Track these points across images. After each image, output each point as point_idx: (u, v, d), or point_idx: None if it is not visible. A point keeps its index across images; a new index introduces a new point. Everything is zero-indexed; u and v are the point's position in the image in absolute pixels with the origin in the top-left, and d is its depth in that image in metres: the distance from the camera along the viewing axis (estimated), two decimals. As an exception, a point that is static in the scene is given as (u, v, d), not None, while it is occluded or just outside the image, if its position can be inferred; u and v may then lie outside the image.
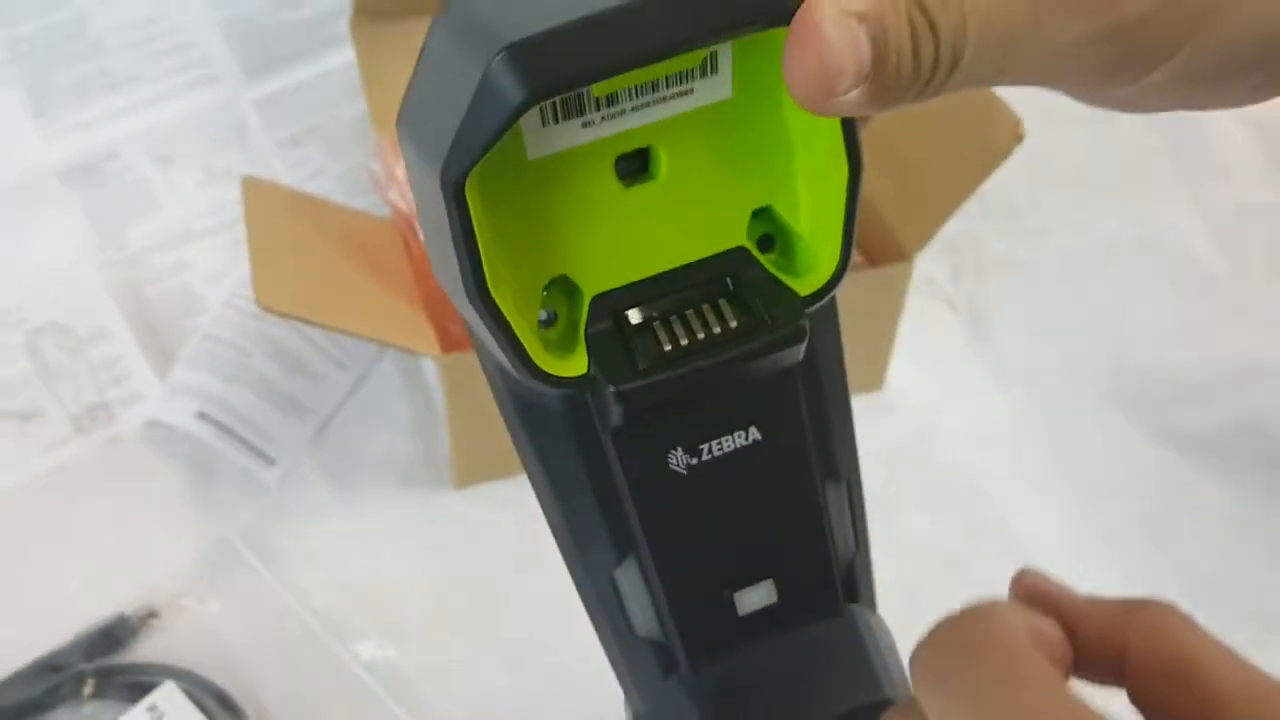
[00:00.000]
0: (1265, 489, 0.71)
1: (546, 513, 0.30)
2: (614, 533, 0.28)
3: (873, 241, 0.66)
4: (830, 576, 0.30)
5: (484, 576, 0.62)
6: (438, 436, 0.68)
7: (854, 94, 0.22)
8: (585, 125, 0.25)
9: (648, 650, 0.29)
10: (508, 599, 0.61)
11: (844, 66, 0.22)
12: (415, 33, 0.80)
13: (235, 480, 0.65)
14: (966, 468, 0.73)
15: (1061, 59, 0.24)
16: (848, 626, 0.30)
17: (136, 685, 0.56)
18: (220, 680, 0.57)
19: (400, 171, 0.60)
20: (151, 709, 0.55)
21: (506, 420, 0.30)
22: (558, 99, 0.24)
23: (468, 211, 0.24)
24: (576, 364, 0.26)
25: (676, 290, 0.27)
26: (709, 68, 0.25)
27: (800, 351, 0.27)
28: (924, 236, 0.64)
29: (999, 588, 0.26)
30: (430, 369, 0.66)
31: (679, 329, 0.26)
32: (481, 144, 0.23)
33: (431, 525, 0.64)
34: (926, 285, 0.80)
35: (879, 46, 0.22)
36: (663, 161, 0.26)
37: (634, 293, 0.27)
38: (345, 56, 0.71)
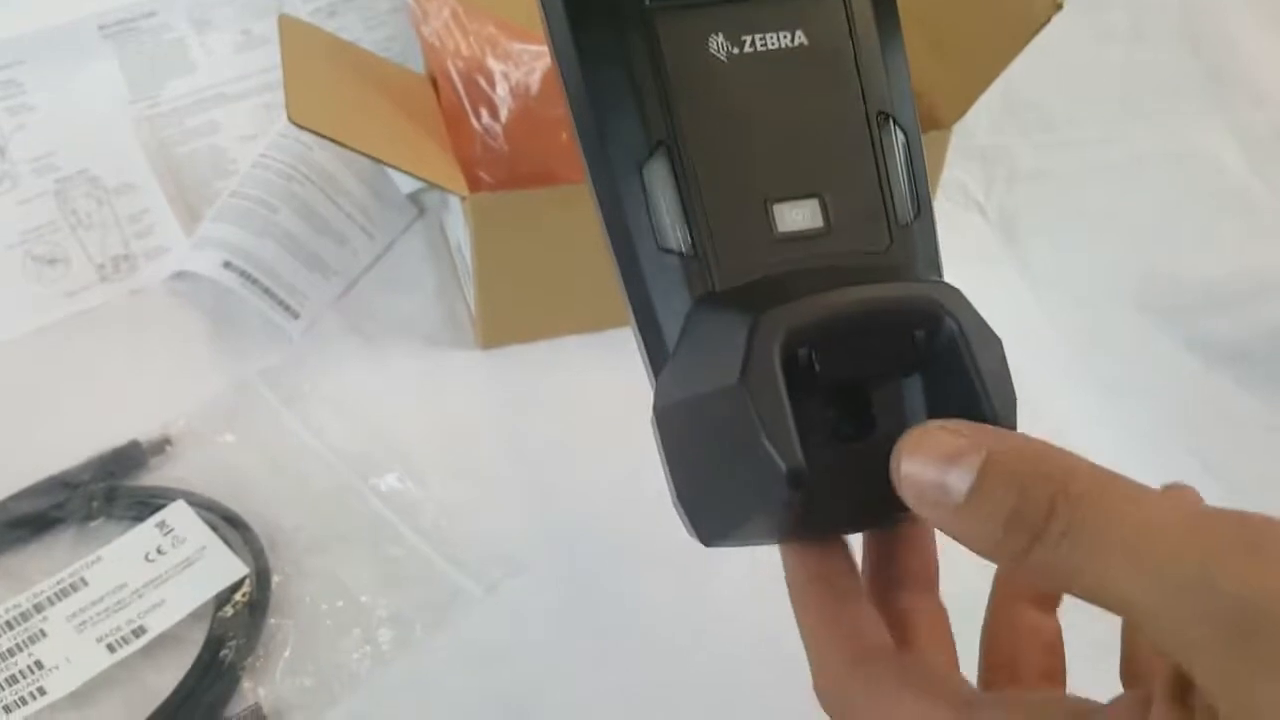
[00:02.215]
0: (1297, 393, 0.70)
1: (573, 101, 0.29)
2: (647, 118, 0.27)
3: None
4: (880, 209, 0.28)
5: (505, 425, 0.61)
6: (463, 304, 0.67)
7: None
8: None
9: (675, 265, 0.28)
10: (529, 445, 0.61)
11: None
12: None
13: (258, 329, 0.65)
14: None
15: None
16: (900, 256, 0.28)
17: (147, 503, 0.55)
18: (232, 505, 0.56)
19: (433, 6, 0.60)
20: (161, 525, 0.54)
21: (551, 28, 0.29)
22: None
23: None
24: None
25: None
26: None
27: None
28: (962, 106, 0.64)
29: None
30: (456, 231, 0.66)
31: None
32: None
33: (454, 378, 0.64)
34: (959, 193, 0.80)
35: None
36: None
37: None
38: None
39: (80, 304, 0.65)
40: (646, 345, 0.29)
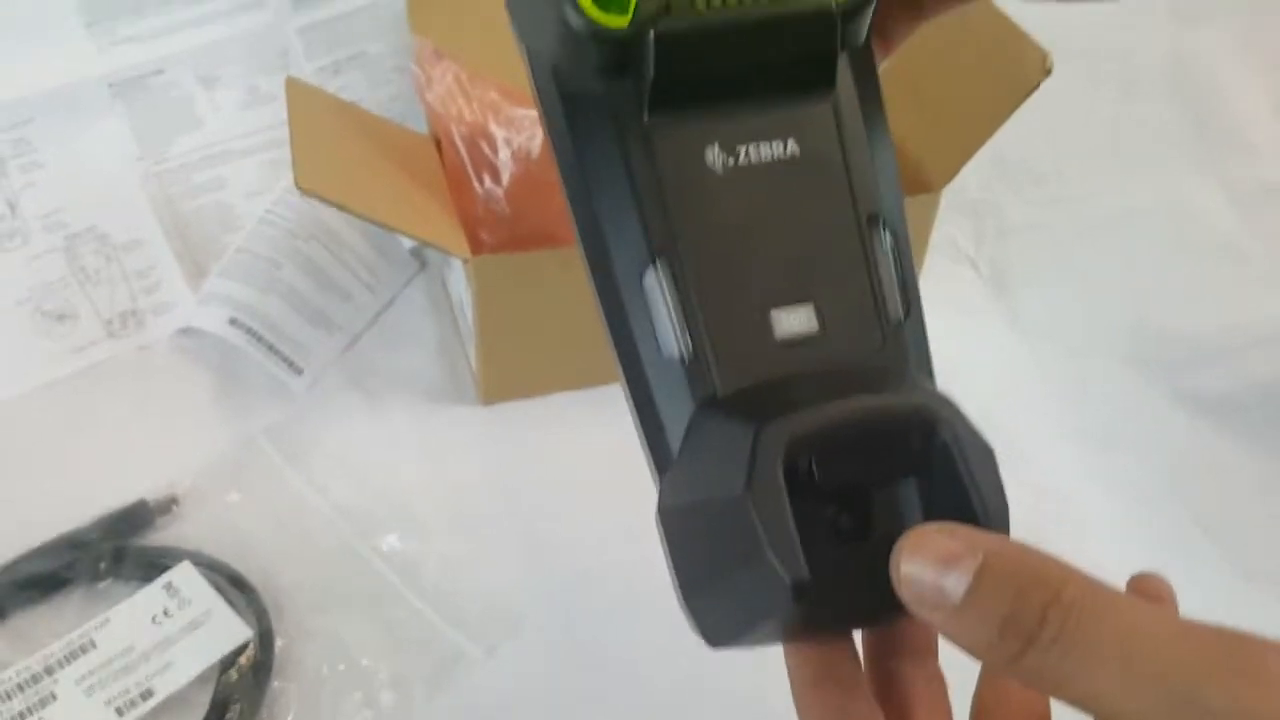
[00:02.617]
0: (1285, 448, 0.71)
1: (576, 211, 0.30)
2: (648, 228, 0.28)
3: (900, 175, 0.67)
4: (872, 311, 0.29)
5: (505, 481, 0.62)
6: (464, 360, 0.69)
7: None
8: None
9: (678, 372, 0.29)
10: (529, 502, 0.62)
11: None
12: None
13: (263, 386, 0.66)
14: (987, 419, 0.73)
15: None
16: (892, 356, 0.29)
17: (154, 564, 0.56)
18: (237, 565, 0.57)
19: (437, 72, 0.62)
20: (168, 586, 0.55)
21: (546, 114, 0.30)
22: None
23: None
24: (621, 21, 0.28)
25: None
26: None
27: (833, 34, 0.29)
28: (951, 170, 0.65)
29: (1018, 536, 0.26)
30: (458, 288, 0.67)
31: (720, 3, 0.28)
32: None
33: (455, 435, 0.65)
34: (949, 247, 0.81)
35: None
36: None
37: None
38: (389, -8, 0.73)
39: (88, 359, 0.67)
40: (650, 447, 0.30)
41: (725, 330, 0.29)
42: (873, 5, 0.31)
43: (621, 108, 0.29)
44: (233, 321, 0.66)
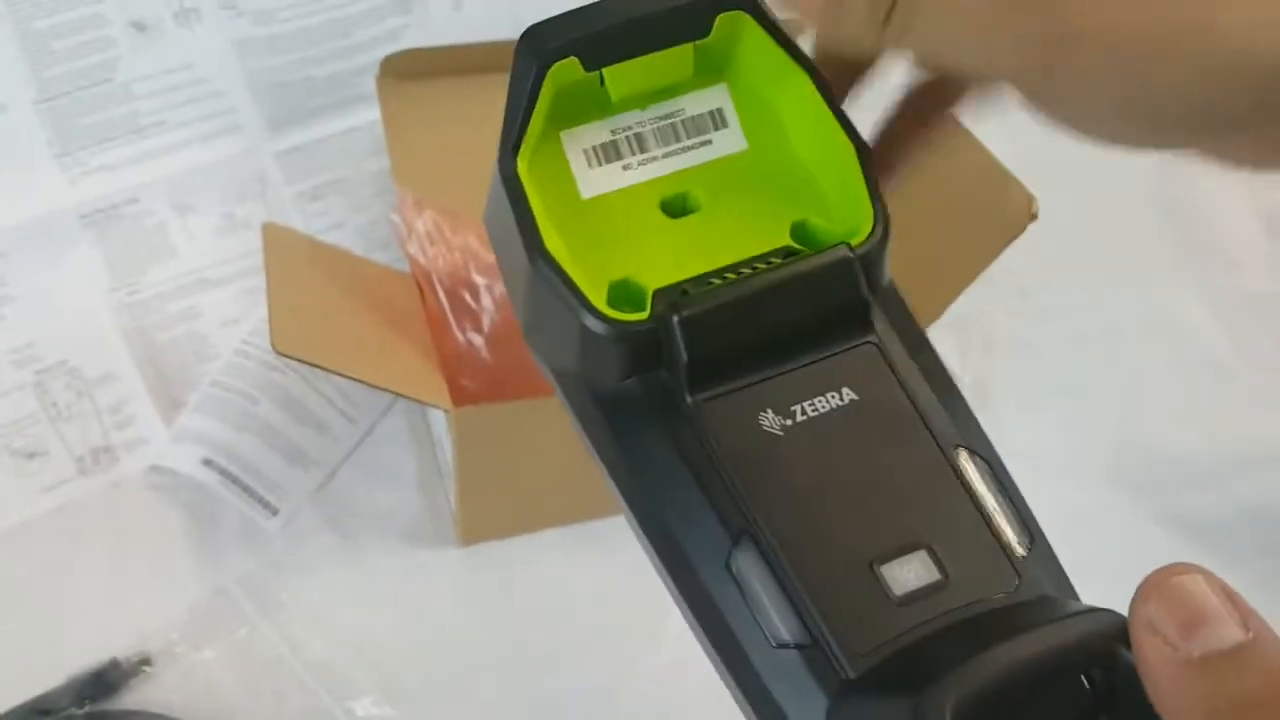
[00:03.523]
0: (1272, 576, 0.70)
1: (638, 513, 0.28)
2: (720, 512, 0.26)
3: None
4: (994, 546, 0.27)
5: (486, 638, 0.61)
6: (443, 495, 0.67)
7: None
8: (625, 168, 0.30)
9: (794, 661, 0.25)
10: (510, 654, 0.60)
11: None
12: (440, 93, 0.81)
13: (237, 529, 0.64)
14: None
15: (1004, 50, 0.28)
16: (1034, 591, 0.26)
17: (126, 733, 0.55)
18: (211, 731, 0.55)
19: (420, 225, 0.61)
20: (140, 758, 0.54)
21: (587, 430, 0.29)
22: (597, 145, 0.30)
23: (521, 187, 0.28)
24: (641, 315, 0.28)
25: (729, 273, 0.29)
26: (718, 121, 0.31)
27: (857, 280, 0.28)
28: (935, 312, 0.65)
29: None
30: (438, 425, 0.66)
31: (735, 276, 0.29)
32: (521, 116, 0.28)
33: (434, 583, 0.63)
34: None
35: None
36: (701, 200, 0.30)
37: (693, 282, 0.29)
38: (369, 114, 0.71)
39: (58, 499, 0.65)
40: None
41: (837, 603, 0.26)
42: (889, 242, 0.30)
43: (661, 398, 0.27)
44: (206, 462, 0.65)
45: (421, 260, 0.61)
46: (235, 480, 0.65)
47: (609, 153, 0.30)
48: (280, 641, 0.59)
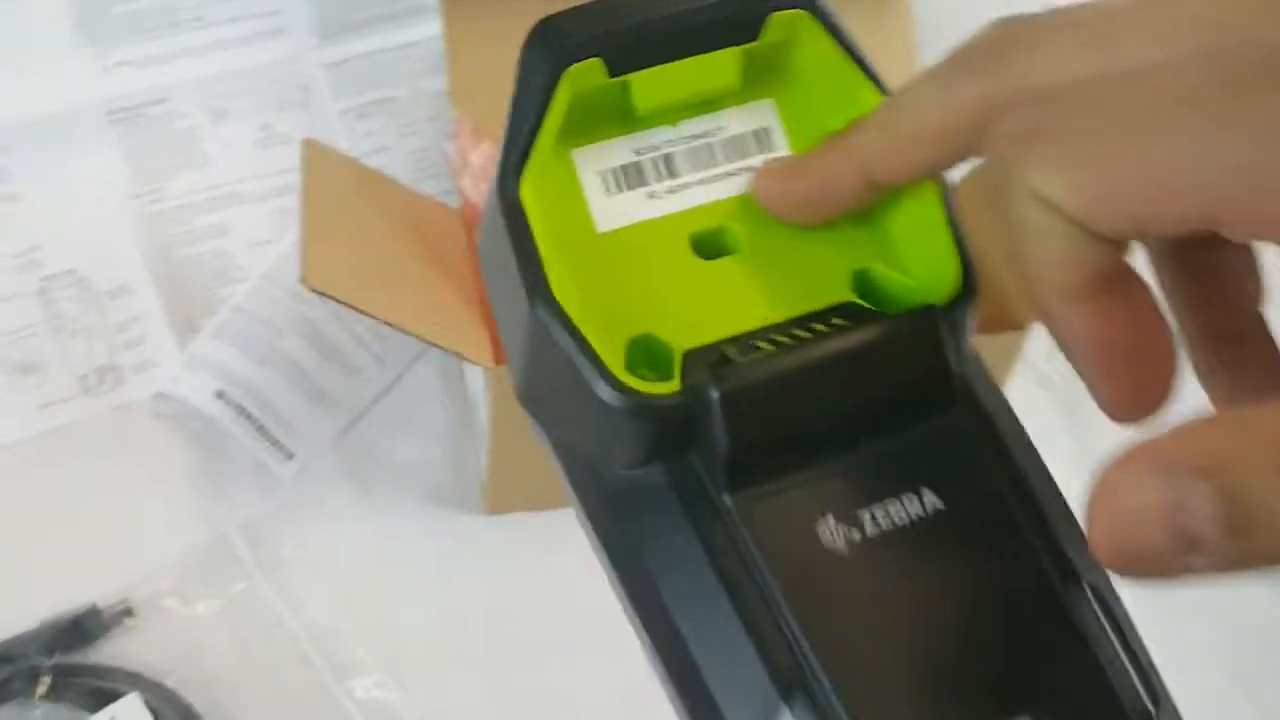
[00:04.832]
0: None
1: (661, 652, 0.22)
2: (766, 656, 0.20)
3: (989, 310, 0.61)
4: (1111, 708, 0.21)
5: (502, 617, 0.56)
6: (472, 456, 0.62)
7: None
8: (650, 197, 0.25)
9: None
10: (526, 643, 0.55)
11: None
12: (508, 12, 0.72)
13: (246, 470, 0.59)
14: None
15: None
16: None
17: (99, 691, 0.50)
18: (194, 698, 0.50)
19: (475, 157, 0.55)
20: (112, 720, 0.48)
21: (596, 528, 0.24)
22: (617, 168, 0.25)
23: (523, 216, 0.23)
24: (669, 387, 0.22)
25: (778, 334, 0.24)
26: (764, 143, 0.25)
27: (941, 342, 0.22)
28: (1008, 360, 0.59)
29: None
30: (475, 381, 0.60)
31: (787, 339, 0.23)
32: (527, 128, 0.23)
33: (453, 552, 0.58)
34: (1029, 369, 0.75)
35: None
36: (740, 239, 0.25)
37: (730, 343, 0.23)
38: (430, 29, 0.65)
39: (56, 418, 0.60)
40: None
41: None
42: (978, 294, 0.24)
43: (691, 492, 0.21)
44: (220, 394, 0.59)
45: (474, 197, 0.55)
46: (249, 417, 0.59)
47: (631, 177, 0.25)
48: (280, 602, 0.54)
